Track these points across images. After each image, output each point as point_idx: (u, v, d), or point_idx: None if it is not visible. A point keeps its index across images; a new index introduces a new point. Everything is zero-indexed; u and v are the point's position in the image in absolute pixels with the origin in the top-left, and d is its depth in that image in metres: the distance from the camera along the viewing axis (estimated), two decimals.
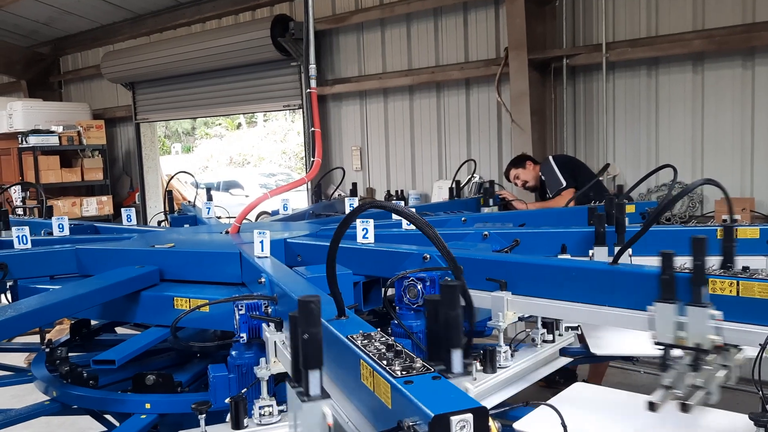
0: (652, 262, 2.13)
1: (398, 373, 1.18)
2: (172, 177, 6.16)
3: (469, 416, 1.00)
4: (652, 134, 5.90)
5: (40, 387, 2.74)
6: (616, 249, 2.70)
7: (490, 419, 1.02)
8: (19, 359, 4.89)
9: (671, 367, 1.63)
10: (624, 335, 2.64)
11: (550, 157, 5.52)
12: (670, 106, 5.78)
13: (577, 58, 6.12)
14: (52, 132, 10.18)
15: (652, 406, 1.59)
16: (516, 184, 5.75)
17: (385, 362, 1.24)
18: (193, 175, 5.81)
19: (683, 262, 1.83)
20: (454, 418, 0.99)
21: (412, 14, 7.37)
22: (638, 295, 1.87)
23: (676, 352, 1.67)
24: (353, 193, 5.90)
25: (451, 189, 5.43)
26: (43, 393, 2.75)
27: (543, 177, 5.49)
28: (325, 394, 1.26)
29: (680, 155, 5.66)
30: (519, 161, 5.75)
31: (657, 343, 1.68)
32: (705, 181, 2.10)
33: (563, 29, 6.21)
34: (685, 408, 1.58)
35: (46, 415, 2.90)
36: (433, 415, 0.99)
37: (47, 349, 2.95)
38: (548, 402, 1.34)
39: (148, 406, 2.45)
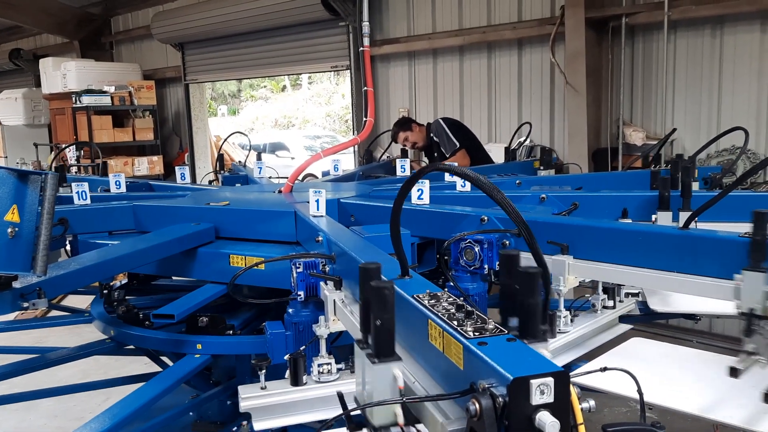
0: (716, 227, 2.05)
1: (470, 334, 1.14)
2: (226, 138, 6.18)
3: (550, 380, 0.96)
4: (714, 97, 5.65)
5: (99, 326, 2.83)
6: (681, 214, 2.62)
7: (570, 384, 0.98)
8: (76, 301, 4.99)
9: (755, 332, 1.55)
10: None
11: (440, 120, 5.75)
12: (735, 67, 5.51)
13: (637, 17, 5.87)
14: (105, 92, 10.33)
15: (734, 372, 1.53)
16: (405, 146, 5.92)
17: (455, 323, 1.21)
18: (246, 135, 5.82)
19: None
20: (534, 381, 0.95)
21: None
22: (712, 261, 1.79)
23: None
24: (404, 154, 5.85)
25: (506, 151, 5.33)
26: (101, 332, 2.84)
27: (436, 138, 5.69)
28: (395, 357, 1.21)
29: (744, 119, 5.39)
30: (404, 124, 5.95)
31: (742, 314, 1.61)
32: None
33: None
34: None
35: (103, 354, 3.00)
36: (512, 377, 0.96)
37: (105, 291, 3.02)
38: (626, 369, 1.28)
39: (199, 346, 2.50)
